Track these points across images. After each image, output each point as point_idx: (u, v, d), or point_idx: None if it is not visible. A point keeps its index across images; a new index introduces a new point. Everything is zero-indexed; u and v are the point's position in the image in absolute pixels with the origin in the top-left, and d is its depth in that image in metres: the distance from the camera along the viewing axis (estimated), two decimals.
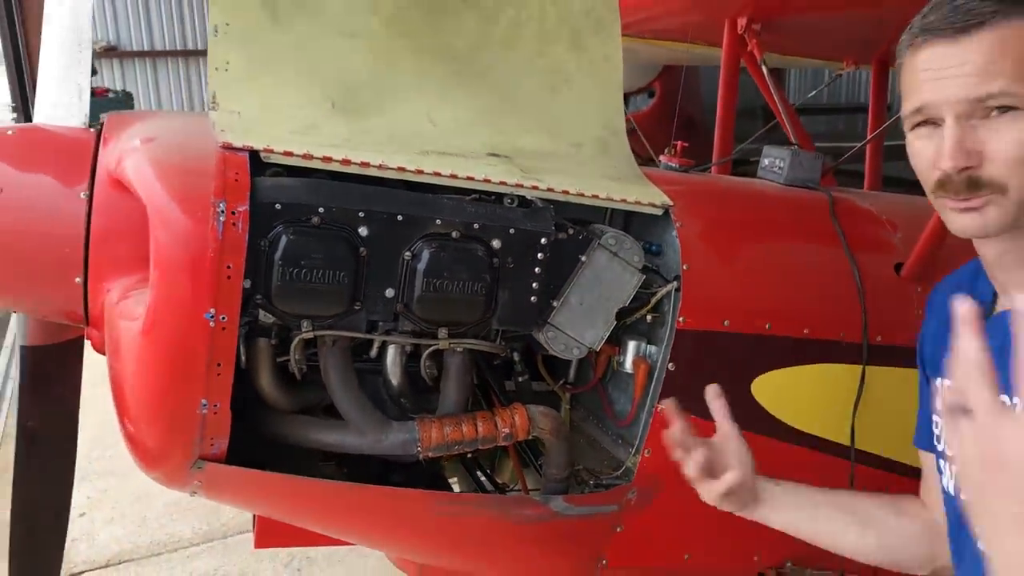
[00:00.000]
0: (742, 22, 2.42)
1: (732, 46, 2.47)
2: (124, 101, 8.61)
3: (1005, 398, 1.00)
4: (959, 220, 1.04)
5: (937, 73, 0.99)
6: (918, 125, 1.04)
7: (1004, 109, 0.96)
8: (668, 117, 6.69)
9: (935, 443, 1.20)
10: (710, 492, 1.25)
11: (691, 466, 1.23)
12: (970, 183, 0.99)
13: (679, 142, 2.00)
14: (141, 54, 11.00)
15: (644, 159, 2.12)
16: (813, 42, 2.97)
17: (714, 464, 1.25)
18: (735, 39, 2.46)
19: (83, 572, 3.58)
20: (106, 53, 10.69)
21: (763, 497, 1.28)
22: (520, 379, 1.73)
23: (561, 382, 1.82)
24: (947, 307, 1.19)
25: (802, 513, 1.29)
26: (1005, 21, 0.95)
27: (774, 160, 2.03)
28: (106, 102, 7.98)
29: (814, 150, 2.40)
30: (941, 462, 1.18)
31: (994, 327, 1.05)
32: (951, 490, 1.15)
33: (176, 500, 4.06)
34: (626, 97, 6.82)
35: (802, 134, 2.41)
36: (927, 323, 1.26)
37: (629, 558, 1.76)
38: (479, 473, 1.85)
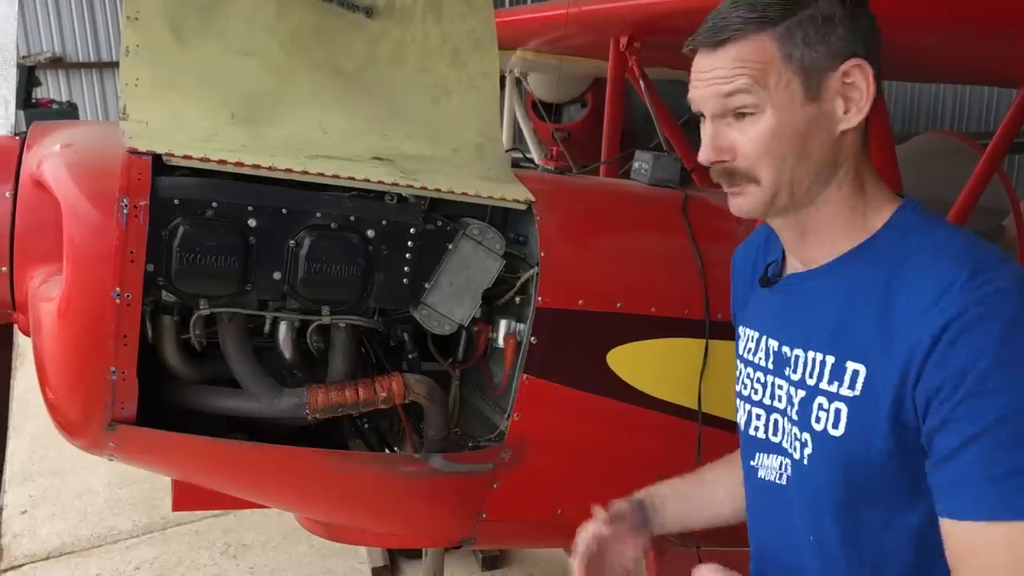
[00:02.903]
0: (623, 41, 2.69)
1: (616, 62, 2.75)
2: (68, 112, 8.66)
3: (787, 348, 1.25)
4: (731, 202, 1.19)
5: (697, 77, 1.14)
6: (701, 119, 1.19)
7: (741, 114, 1.12)
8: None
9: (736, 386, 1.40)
10: None
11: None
12: (726, 173, 1.15)
13: (555, 147, 2.26)
14: (87, 65, 11.04)
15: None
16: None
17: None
18: (618, 56, 2.74)
19: (24, 565, 3.70)
20: (52, 64, 10.72)
21: (654, 520, 1.48)
22: (410, 357, 1.96)
23: (450, 360, 2.06)
24: (743, 265, 1.45)
25: (682, 515, 1.50)
26: (747, 37, 1.10)
27: (641, 164, 2.30)
28: (50, 112, 8.05)
29: (689, 155, 2.69)
30: (738, 400, 1.38)
31: (784, 286, 1.28)
32: (742, 425, 1.36)
33: (117, 496, 4.21)
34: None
35: (678, 141, 2.69)
36: (732, 282, 1.48)
37: (506, 512, 1.99)
38: (386, 450, 2.08)
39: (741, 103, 1.12)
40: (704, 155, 1.15)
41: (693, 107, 1.17)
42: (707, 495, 1.54)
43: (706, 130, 1.15)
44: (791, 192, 1.15)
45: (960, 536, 1.03)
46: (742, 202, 1.17)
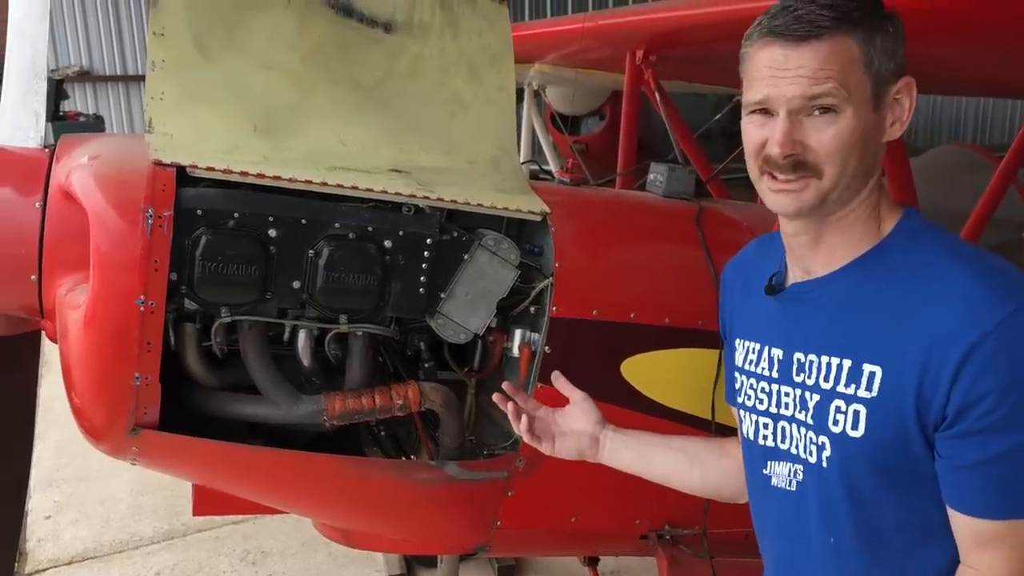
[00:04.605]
0: (639, 54, 2.72)
1: (632, 75, 2.78)
2: (95, 124, 8.82)
3: (799, 354, 1.26)
4: (778, 199, 1.19)
5: (778, 72, 1.12)
6: (754, 112, 1.18)
7: (825, 110, 1.13)
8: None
9: (736, 398, 1.42)
10: (546, 450, 1.52)
11: (523, 434, 1.50)
12: (795, 165, 1.15)
13: (571, 159, 2.28)
14: (114, 78, 11.26)
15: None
16: (710, 71, 3.29)
17: (563, 424, 1.54)
18: (635, 69, 2.77)
19: (47, 569, 3.76)
20: (79, 78, 10.94)
21: (604, 445, 1.53)
22: (426, 365, 1.99)
23: (466, 369, 2.09)
24: (733, 282, 1.47)
25: (637, 457, 1.54)
26: (835, 36, 1.11)
27: (656, 175, 2.32)
28: (77, 125, 8.20)
29: (704, 167, 2.71)
30: (741, 412, 1.40)
31: (788, 296, 1.30)
32: (749, 435, 1.37)
33: (139, 503, 4.27)
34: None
35: (693, 152, 2.71)
36: (722, 298, 1.52)
37: (521, 520, 2.01)
38: (403, 458, 2.10)
39: (825, 101, 1.13)
40: (778, 148, 1.14)
41: (763, 103, 1.15)
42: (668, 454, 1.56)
43: (781, 124, 1.14)
44: (843, 191, 1.17)
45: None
46: (795, 197, 1.17)
